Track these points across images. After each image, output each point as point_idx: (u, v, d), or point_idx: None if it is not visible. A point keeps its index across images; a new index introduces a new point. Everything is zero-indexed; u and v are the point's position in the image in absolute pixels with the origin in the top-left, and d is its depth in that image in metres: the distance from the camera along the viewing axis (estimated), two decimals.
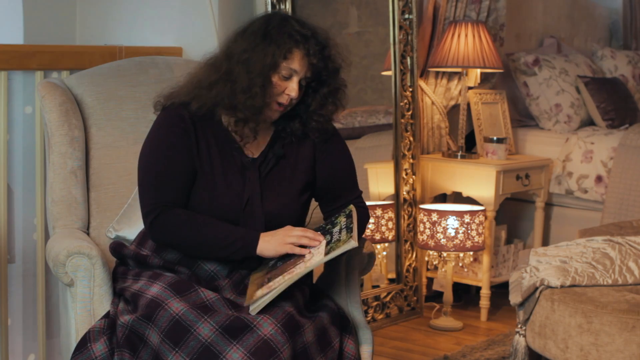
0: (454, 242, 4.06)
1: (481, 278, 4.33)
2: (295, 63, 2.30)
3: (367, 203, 4.08)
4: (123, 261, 2.45)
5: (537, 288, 2.85)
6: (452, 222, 4.06)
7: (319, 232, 2.31)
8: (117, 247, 2.45)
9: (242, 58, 2.29)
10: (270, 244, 2.27)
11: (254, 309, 2.17)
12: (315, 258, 2.21)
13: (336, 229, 2.29)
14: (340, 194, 2.47)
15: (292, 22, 2.33)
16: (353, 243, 2.18)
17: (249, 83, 2.28)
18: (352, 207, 2.36)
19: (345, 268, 2.52)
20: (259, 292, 2.18)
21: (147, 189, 2.33)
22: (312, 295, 2.43)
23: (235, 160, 2.37)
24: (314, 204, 2.53)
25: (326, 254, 2.20)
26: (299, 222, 2.42)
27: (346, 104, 2.44)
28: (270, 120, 2.37)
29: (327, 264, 2.55)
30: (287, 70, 2.30)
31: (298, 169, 2.42)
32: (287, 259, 2.27)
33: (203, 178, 2.34)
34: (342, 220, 2.32)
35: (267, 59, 2.28)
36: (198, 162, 2.34)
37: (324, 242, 2.26)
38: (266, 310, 2.18)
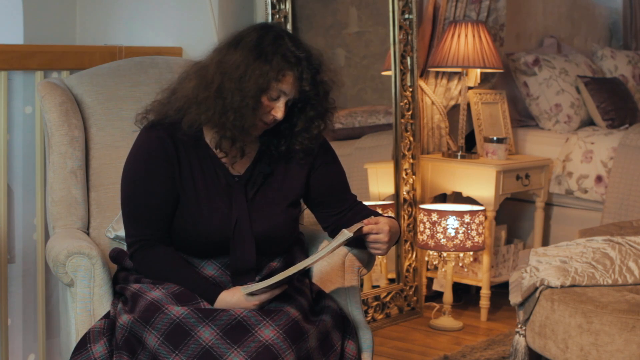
0: (454, 242, 4.06)
1: (481, 278, 4.33)
2: (286, 85, 2.24)
3: (367, 203, 4.09)
4: (124, 268, 2.44)
5: (537, 288, 2.85)
6: (452, 222, 4.06)
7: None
8: (118, 256, 2.43)
9: (234, 75, 2.22)
10: (224, 303, 2.23)
11: (245, 288, 2.18)
12: (315, 255, 2.20)
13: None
14: (339, 201, 2.46)
15: (287, 41, 2.25)
16: (347, 233, 2.17)
17: (240, 103, 2.21)
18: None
19: (345, 268, 2.52)
20: (258, 283, 2.18)
21: (127, 219, 2.33)
22: (315, 296, 2.42)
23: (220, 179, 2.33)
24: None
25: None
26: (291, 239, 2.40)
27: (333, 125, 2.37)
28: (253, 136, 2.32)
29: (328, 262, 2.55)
30: (277, 91, 2.24)
31: (287, 186, 2.38)
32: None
33: (186, 202, 2.31)
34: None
35: (261, 80, 2.21)
36: (180, 187, 2.30)
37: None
38: (270, 314, 2.17)
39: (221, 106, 2.22)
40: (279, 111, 2.25)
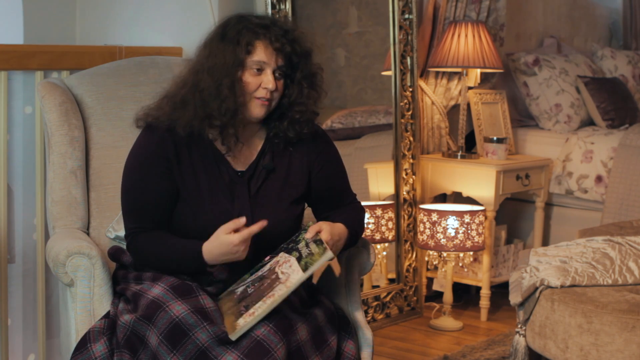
0: (454, 242, 4.06)
1: (481, 278, 4.33)
2: (261, 54, 2.28)
3: (367, 203, 4.09)
4: (123, 265, 2.45)
5: (537, 288, 2.85)
6: (452, 222, 4.06)
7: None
8: (116, 253, 2.45)
9: (205, 66, 2.28)
10: (212, 254, 2.22)
11: (235, 334, 2.12)
12: (294, 276, 2.15)
13: (301, 244, 2.24)
14: (337, 199, 2.46)
15: (250, 17, 2.31)
16: (330, 254, 2.16)
17: (216, 87, 2.25)
18: (310, 222, 2.32)
19: (345, 268, 2.52)
20: (241, 321, 2.13)
21: (125, 212, 2.36)
22: (308, 292, 2.41)
23: (223, 175, 2.34)
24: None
25: (304, 270, 2.15)
26: (291, 236, 2.39)
27: (326, 89, 2.40)
28: (257, 118, 2.33)
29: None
30: (256, 63, 2.28)
31: (289, 183, 2.39)
32: (256, 283, 2.22)
33: (188, 198, 2.32)
34: (305, 236, 2.26)
35: (228, 58, 2.26)
36: (181, 184, 2.32)
37: (293, 260, 2.20)
38: None
39: (200, 99, 2.27)
40: (269, 82, 2.28)
